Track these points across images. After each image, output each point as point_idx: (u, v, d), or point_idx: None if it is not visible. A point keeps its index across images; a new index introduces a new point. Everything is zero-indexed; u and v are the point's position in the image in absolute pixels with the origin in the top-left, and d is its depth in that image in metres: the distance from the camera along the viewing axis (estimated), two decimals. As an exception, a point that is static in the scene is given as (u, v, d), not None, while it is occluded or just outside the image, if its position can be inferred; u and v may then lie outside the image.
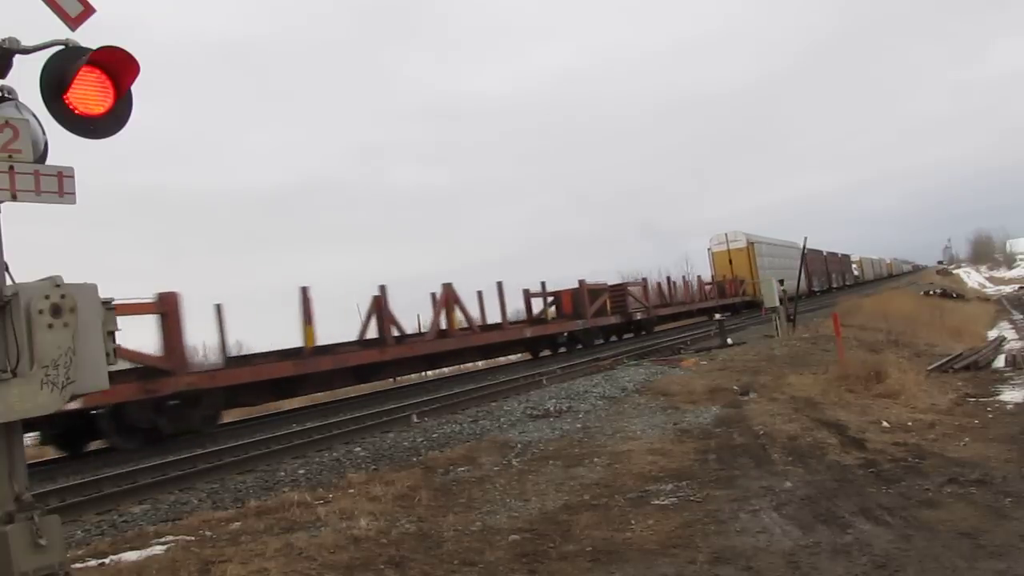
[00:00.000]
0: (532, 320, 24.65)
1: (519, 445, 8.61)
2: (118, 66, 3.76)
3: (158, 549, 5.26)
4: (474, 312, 21.50)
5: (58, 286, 3.43)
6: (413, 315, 22.65)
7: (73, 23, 3.69)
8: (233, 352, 15.61)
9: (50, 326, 3.37)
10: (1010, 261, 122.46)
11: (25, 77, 3.71)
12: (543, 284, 25.33)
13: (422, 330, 21.07)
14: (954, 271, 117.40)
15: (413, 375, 23.11)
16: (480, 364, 24.96)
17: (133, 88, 3.88)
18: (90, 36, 3.73)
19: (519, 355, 26.19)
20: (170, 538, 5.59)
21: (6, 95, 3.61)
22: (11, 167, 3.39)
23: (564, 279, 32.69)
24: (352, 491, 6.77)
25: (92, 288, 3.64)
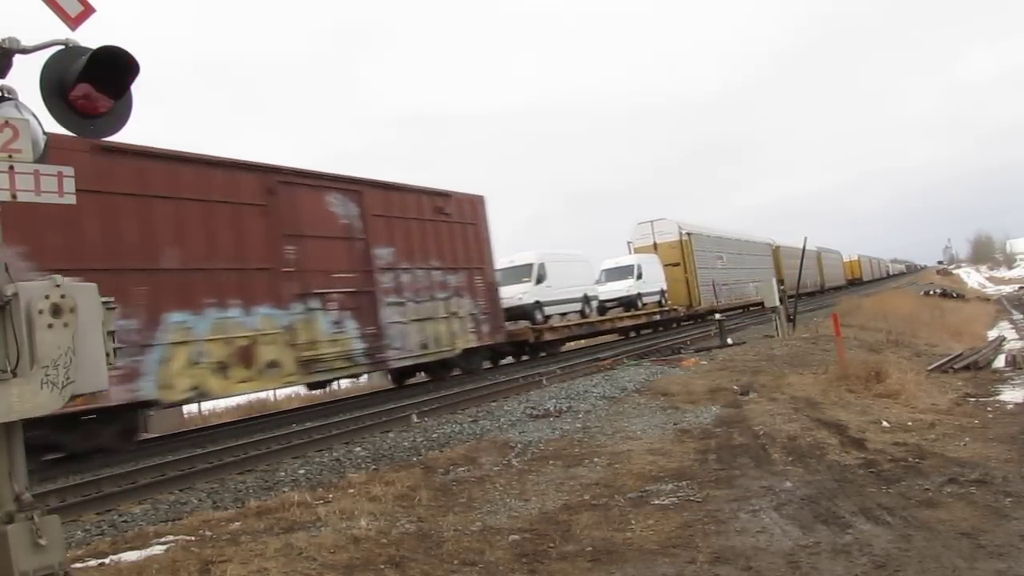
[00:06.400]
0: None
1: (519, 445, 8.61)
2: (118, 66, 3.76)
3: (158, 549, 5.26)
4: None
5: (58, 286, 3.43)
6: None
7: (73, 23, 3.69)
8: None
9: (50, 326, 3.37)
10: (1010, 261, 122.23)
11: (25, 77, 3.72)
12: None
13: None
14: (954, 271, 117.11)
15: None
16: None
17: (132, 88, 3.88)
18: (90, 36, 3.73)
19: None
20: (170, 538, 5.59)
21: (6, 95, 3.62)
22: (11, 167, 3.40)
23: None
24: (352, 491, 6.77)
25: (92, 288, 3.64)
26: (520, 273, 23.45)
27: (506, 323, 21.25)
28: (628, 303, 29.24)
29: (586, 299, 26.38)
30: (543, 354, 23.32)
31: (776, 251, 48.41)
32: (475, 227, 19.45)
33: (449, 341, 17.67)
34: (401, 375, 18.93)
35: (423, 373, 18.82)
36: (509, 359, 23.02)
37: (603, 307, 28.48)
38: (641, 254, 32.49)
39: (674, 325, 32.84)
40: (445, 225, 18.31)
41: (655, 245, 33.32)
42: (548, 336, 23.29)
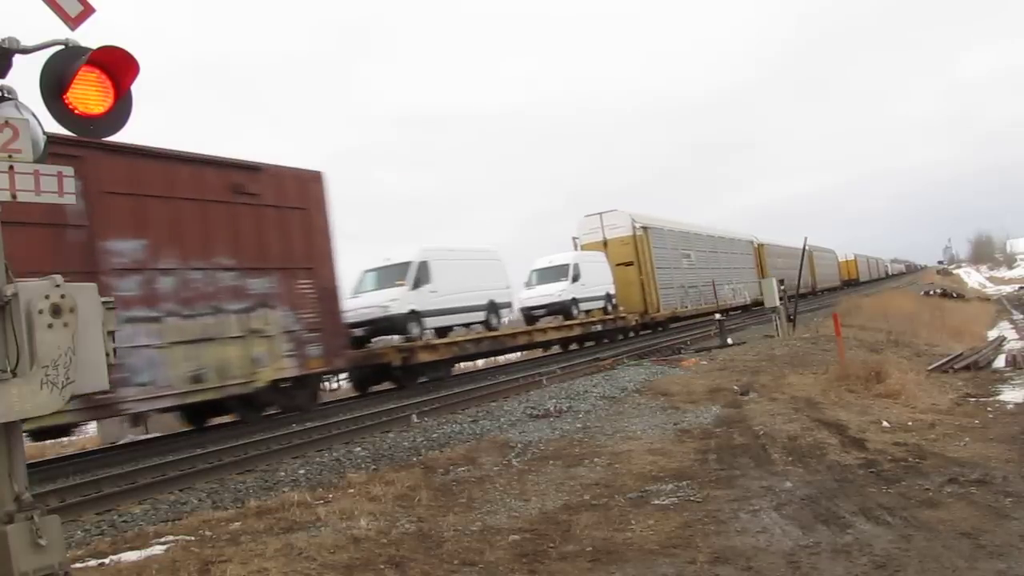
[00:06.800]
0: None
1: (519, 445, 8.61)
2: (118, 66, 3.76)
3: (158, 549, 5.26)
4: None
5: (58, 286, 3.43)
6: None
7: (73, 23, 3.69)
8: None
9: (50, 326, 3.37)
10: (1010, 261, 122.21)
11: (25, 77, 3.72)
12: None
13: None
14: (954, 271, 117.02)
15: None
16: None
17: (133, 88, 3.88)
18: (90, 36, 3.73)
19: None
20: (170, 538, 5.59)
21: (6, 95, 3.62)
22: (11, 167, 3.40)
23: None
24: (352, 491, 6.77)
25: (92, 288, 3.64)
26: (396, 275, 18.71)
27: (375, 339, 17.68)
28: (561, 310, 24.24)
29: (493, 307, 21.13)
30: (423, 379, 18.14)
31: (760, 249, 43.72)
32: (304, 213, 14.51)
33: (245, 370, 12.73)
34: (193, 416, 14.05)
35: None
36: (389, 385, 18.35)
37: (530, 315, 24.30)
38: (582, 251, 27.57)
39: (626, 335, 27.98)
40: (248, 209, 13.34)
41: (605, 242, 28.39)
42: (424, 356, 17.71)
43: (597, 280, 26.07)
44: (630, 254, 28.24)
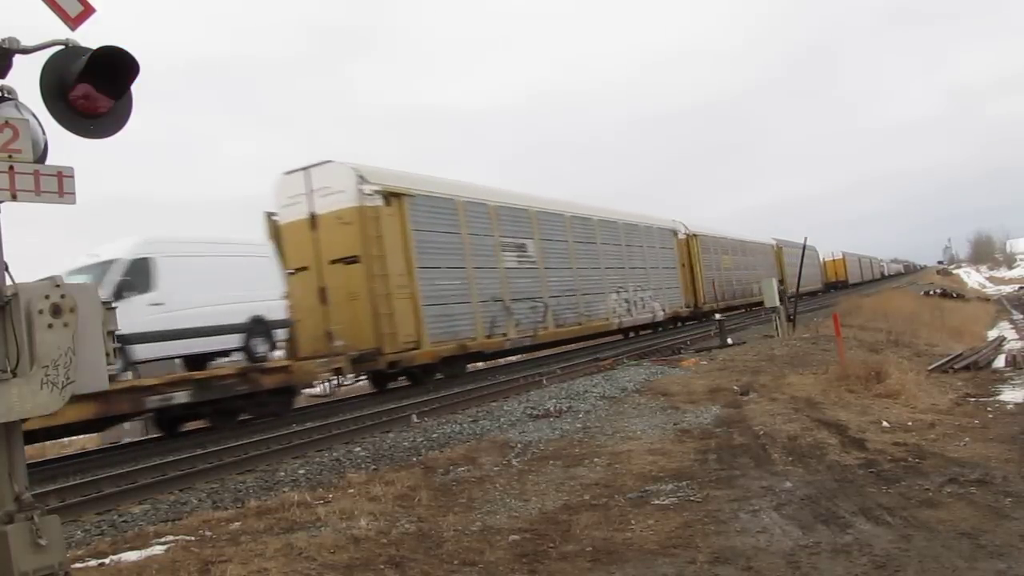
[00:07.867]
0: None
1: (519, 445, 8.61)
2: (118, 66, 3.76)
3: (158, 549, 5.26)
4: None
5: (58, 286, 3.43)
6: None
7: (73, 23, 3.69)
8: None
9: (50, 326, 3.37)
10: (1010, 261, 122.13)
11: (25, 77, 3.72)
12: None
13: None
14: (954, 271, 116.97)
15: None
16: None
17: (133, 88, 3.88)
18: (90, 36, 3.73)
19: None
20: (170, 538, 5.59)
21: (6, 95, 3.62)
22: (11, 167, 3.40)
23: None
24: (352, 491, 6.77)
25: (92, 288, 3.65)
26: None
27: None
28: None
29: None
30: None
31: (690, 241, 31.49)
32: None
33: None
34: None
35: None
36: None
37: None
38: (173, 237, 13.01)
39: (359, 398, 16.23)
40: None
41: (312, 219, 15.77)
42: None
43: (223, 294, 12.74)
44: (353, 242, 15.27)
